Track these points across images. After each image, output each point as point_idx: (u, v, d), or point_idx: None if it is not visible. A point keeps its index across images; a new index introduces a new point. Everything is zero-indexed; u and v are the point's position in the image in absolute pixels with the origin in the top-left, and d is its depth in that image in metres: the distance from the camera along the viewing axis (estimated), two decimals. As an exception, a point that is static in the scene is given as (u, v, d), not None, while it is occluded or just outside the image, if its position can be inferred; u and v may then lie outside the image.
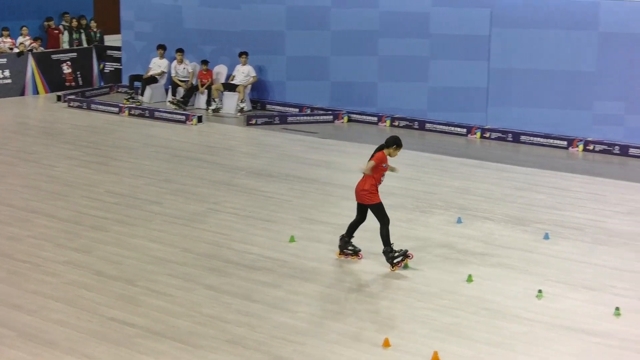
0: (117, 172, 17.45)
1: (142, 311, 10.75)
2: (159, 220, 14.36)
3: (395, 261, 12.19)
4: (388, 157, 12.32)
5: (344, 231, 12.76)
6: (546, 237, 13.58)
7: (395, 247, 12.28)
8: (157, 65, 25.39)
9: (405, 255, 12.24)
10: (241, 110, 23.65)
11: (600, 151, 19.79)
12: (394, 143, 12.28)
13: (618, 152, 19.60)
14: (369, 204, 12.31)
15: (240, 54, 24.03)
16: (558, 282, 11.77)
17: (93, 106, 24.34)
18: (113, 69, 28.11)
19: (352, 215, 14.58)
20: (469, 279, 11.77)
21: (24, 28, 27.30)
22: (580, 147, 20.00)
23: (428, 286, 11.62)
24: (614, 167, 18.60)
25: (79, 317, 10.54)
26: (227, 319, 10.53)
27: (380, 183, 12.31)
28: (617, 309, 10.77)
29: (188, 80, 24.76)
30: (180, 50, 24.83)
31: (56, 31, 28.81)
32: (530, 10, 20.96)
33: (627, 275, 12.09)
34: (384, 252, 12.25)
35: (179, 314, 10.66)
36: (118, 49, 27.89)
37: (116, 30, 30.00)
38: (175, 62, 24.90)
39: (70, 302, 10.98)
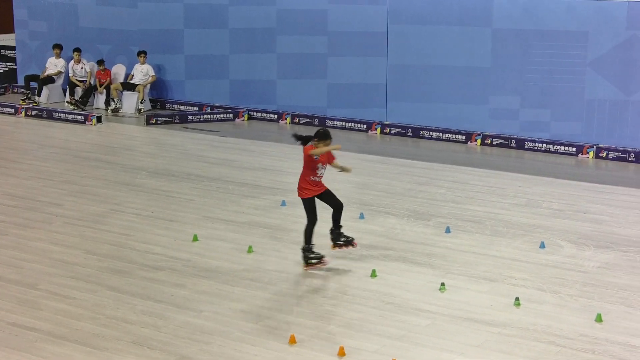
0: (15, 175, 17.13)
1: (44, 315, 10.59)
2: (60, 222, 14.16)
3: (308, 261, 12.20)
4: (319, 151, 12.09)
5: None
6: (447, 230, 13.80)
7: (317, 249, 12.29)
8: (54, 64, 24.99)
9: (320, 260, 12.18)
10: (139, 110, 23.43)
11: (498, 145, 20.19)
12: (316, 136, 12.13)
13: (514, 145, 20.02)
14: (300, 198, 12.28)
15: (139, 53, 23.82)
16: (459, 275, 11.97)
17: (-12, 107, 23.86)
18: (7, 68, 27.57)
19: (254, 212, 14.62)
20: (373, 274, 11.89)
21: None
22: (479, 141, 20.36)
23: (332, 282, 11.70)
24: (510, 161, 18.99)
25: (-22, 323, 10.35)
26: (131, 320, 10.45)
27: (315, 177, 12.18)
28: (517, 299, 11.01)
29: (86, 80, 24.45)
30: (77, 50, 24.50)
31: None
32: (426, 7, 21.25)
33: (525, 266, 12.36)
34: (302, 249, 12.24)
35: (82, 317, 10.54)
36: (12, 48, 27.36)
37: (8, 29, 29.44)
38: (72, 62, 24.56)
39: (-31, 308, 10.78)
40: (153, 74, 23.83)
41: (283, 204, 15.14)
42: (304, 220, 14.18)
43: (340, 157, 18.69)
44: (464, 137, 20.60)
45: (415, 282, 11.74)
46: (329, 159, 12.30)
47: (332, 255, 12.62)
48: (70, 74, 24.56)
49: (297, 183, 12.32)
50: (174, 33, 23.89)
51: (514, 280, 11.80)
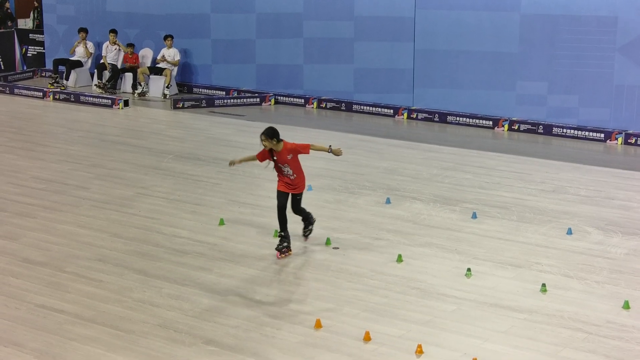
0: (43, 158, 17.24)
1: (72, 297, 10.66)
2: (87, 206, 14.23)
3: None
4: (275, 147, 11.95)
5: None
6: (474, 216, 13.76)
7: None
8: (81, 48, 25.05)
9: (282, 250, 12.09)
10: (165, 95, 23.49)
11: (525, 130, 20.09)
12: (263, 133, 12.00)
13: (542, 131, 19.92)
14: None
15: (166, 37, 23.86)
16: (485, 261, 11.94)
17: (16, 91, 23.99)
18: (36, 52, 27.70)
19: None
20: (399, 259, 11.88)
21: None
22: (506, 127, 20.27)
23: (357, 267, 11.70)
24: (538, 146, 18.89)
25: (6, 305, 10.41)
26: (157, 303, 10.50)
27: (283, 175, 12.09)
28: (544, 285, 10.97)
29: (115, 64, 24.54)
30: (113, 31, 24.57)
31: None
32: (454, -8, 21.17)
33: (552, 252, 12.31)
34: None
35: (108, 300, 10.60)
36: (40, 32, 27.48)
37: (25, 15, 29.62)
38: (107, 43, 24.63)
39: (-2, 290, 10.87)
40: (178, 58, 23.86)
41: (309, 188, 15.13)
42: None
43: (367, 142, 18.70)
44: (491, 122, 20.51)
45: (441, 267, 11.72)
46: (294, 155, 12.00)
47: (357, 242, 12.62)
48: (104, 54, 24.63)
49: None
50: (201, 17, 23.91)
51: (541, 267, 11.75)
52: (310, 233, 12.67)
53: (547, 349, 9.41)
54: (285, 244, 12.12)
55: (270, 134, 11.90)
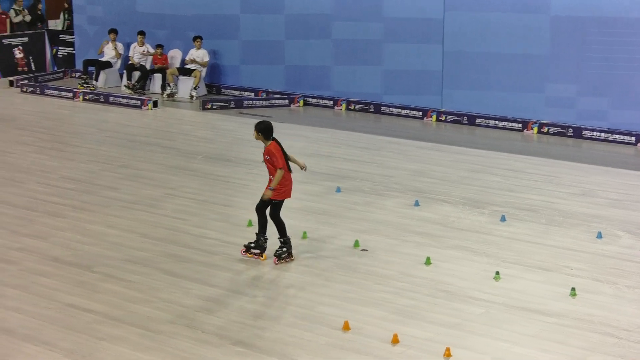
0: (73, 158, 17.32)
1: (100, 297, 10.70)
2: (116, 206, 14.29)
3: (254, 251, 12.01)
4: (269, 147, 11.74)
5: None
6: (502, 219, 13.70)
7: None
8: (110, 49, 25.16)
9: (279, 255, 11.91)
10: (192, 97, 23.53)
11: (555, 133, 19.98)
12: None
13: (572, 134, 19.80)
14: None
15: (195, 38, 23.92)
16: (514, 264, 11.88)
17: (47, 91, 24.13)
18: (66, 53, 27.86)
19: (308, 198, 14.64)
20: (427, 261, 11.85)
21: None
22: (535, 129, 20.17)
23: (385, 269, 11.68)
24: (567, 149, 18.79)
25: (35, 304, 10.46)
26: (186, 304, 10.52)
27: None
28: (573, 289, 10.89)
29: (144, 65, 24.62)
30: (141, 33, 24.66)
31: (3, 16, 28.46)
32: (483, -6, 21.11)
33: (581, 255, 12.23)
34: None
35: (137, 300, 10.63)
36: (70, 33, 27.64)
37: (56, 16, 29.81)
38: (136, 44, 24.74)
39: (27, 289, 10.90)
40: (207, 59, 23.91)
41: (338, 190, 15.13)
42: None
43: (396, 144, 18.65)
44: (520, 125, 20.41)
45: (469, 270, 11.67)
46: (270, 158, 11.71)
47: (385, 244, 12.60)
48: (131, 54, 24.74)
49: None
50: (230, 18, 23.96)
51: (570, 270, 11.68)
52: (283, 255, 11.88)
53: (577, 353, 9.35)
54: (284, 249, 11.91)
55: (257, 127, 11.71)
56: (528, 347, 9.48)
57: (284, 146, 11.76)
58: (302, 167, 12.03)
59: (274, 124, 11.88)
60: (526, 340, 9.63)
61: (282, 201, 11.85)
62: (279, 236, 11.93)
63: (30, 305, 10.44)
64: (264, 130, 11.67)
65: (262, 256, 11.96)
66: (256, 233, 12.03)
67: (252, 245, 12.03)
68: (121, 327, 9.86)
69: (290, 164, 11.84)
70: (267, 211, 11.92)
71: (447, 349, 9.24)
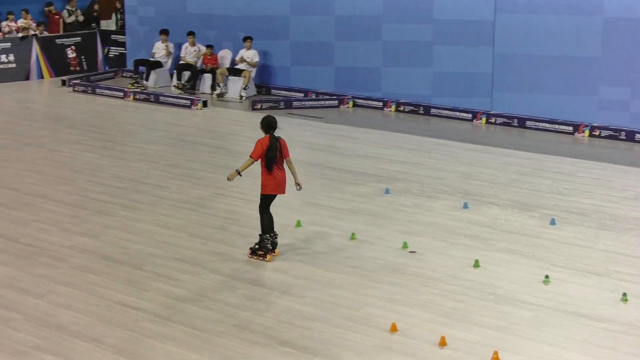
0: (123, 157, 17.46)
1: (149, 295, 10.77)
2: (165, 205, 14.38)
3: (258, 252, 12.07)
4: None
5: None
6: (552, 222, 13.58)
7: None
8: (161, 49, 25.34)
9: (261, 253, 12.02)
10: (241, 97, 23.61)
11: (606, 137, 19.75)
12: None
13: (624, 137, 19.57)
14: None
15: (245, 39, 23.99)
16: (564, 268, 11.77)
17: (98, 91, 24.33)
18: (117, 53, 28.10)
19: (357, 200, 14.62)
20: (476, 264, 11.78)
21: (24, 12, 27.31)
22: (586, 132, 19.96)
23: (434, 271, 11.63)
24: (620, 153, 18.57)
25: (86, 301, 10.56)
26: (233, 304, 10.55)
27: None
28: (624, 294, 10.77)
29: (195, 65, 24.75)
30: (191, 33, 24.80)
31: (57, 16, 28.75)
32: (535, -4, 20.95)
33: (632, 260, 12.09)
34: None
35: (185, 298, 10.68)
36: (122, 33, 27.88)
37: (107, 16, 30.06)
38: (187, 44, 24.88)
39: (77, 286, 11.01)
40: (257, 59, 23.97)
41: (387, 191, 15.09)
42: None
43: (445, 146, 18.58)
44: (571, 128, 20.22)
45: (518, 273, 11.59)
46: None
47: (434, 246, 12.55)
48: (182, 54, 24.88)
49: (284, 181, 12.20)
50: (280, 19, 24.00)
51: (621, 275, 11.55)
52: (260, 252, 12.03)
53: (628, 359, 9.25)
54: (257, 246, 12.04)
55: (261, 120, 12.23)
56: (577, 352, 9.39)
57: (283, 147, 12.19)
58: (297, 185, 12.34)
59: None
60: (575, 346, 9.54)
61: (270, 196, 12.13)
62: (260, 232, 12.08)
63: (80, 302, 10.54)
64: (263, 124, 12.22)
65: (267, 257, 11.99)
66: (259, 234, 12.10)
67: (256, 247, 12.10)
68: (169, 326, 9.92)
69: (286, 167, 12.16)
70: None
71: (495, 353, 9.18)
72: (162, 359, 9.17)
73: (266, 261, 11.92)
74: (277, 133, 12.11)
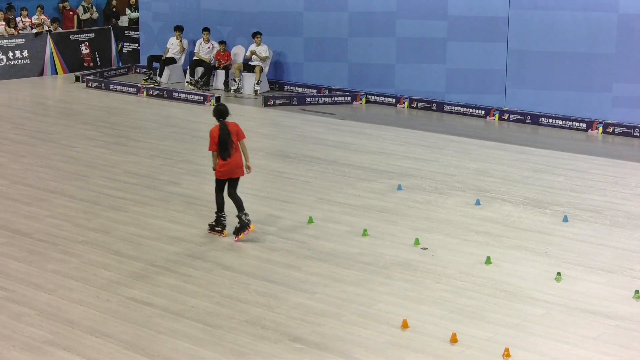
0: (136, 153, 17.49)
1: (161, 291, 10.79)
2: (178, 201, 14.40)
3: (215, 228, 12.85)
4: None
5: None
6: (565, 219, 13.54)
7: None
8: (175, 46, 25.37)
9: (218, 229, 12.85)
10: (256, 92, 23.63)
11: (620, 134, 19.68)
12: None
13: (638, 134, 19.48)
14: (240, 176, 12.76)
15: (254, 35, 23.96)
16: (576, 265, 11.74)
17: (111, 86, 24.39)
18: (131, 49, 28.16)
19: (370, 196, 14.60)
20: (488, 260, 11.76)
21: (39, 8, 27.39)
22: (600, 129, 19.90)
23: (446, 268, 11.61)
24: (633, 150, 18.50)
25: (98, 297, 10.59)
26: (245, 300, 10.56)
27: None
28: (637, 292, 10.73)
29: (209, 61, 24.77)
30: (206, 30, 24.83)
31: (71, 12, 28.82)
32: (549, -8, 20.87)
33: (646, 258, 12.06)
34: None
35: (197, 294, 10.70)
36: (136, 29, 27.93)
37: (122, 12, 30.09)
38: (201, 41, 24.91)
39: (89, 282, 11.04)
40: (267, 54, 23.94)
41: (399, 188, 15.08)
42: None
43: (458, 143, 18.55)
44: (584, 125, 20.15)
45: (530, 270, 11.56)
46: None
47: (446, 242, 12.54)
48: (196, 50, 24.90)
49: (238, 164, 12.69)
50: (294, 15, 24.00)
51: (634, 273, 11.51)
52: (242, 231, 12.68)
53: None
54: (238, 225, 12.65)
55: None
56: (589, 349, 9.37)
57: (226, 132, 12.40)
58: (247, 168, 12.86)
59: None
60: (587, 343, 9.51)
61: (222, 180, 12.66)
62: (237, 214, 12.63)
63: (92, 297, 10.57)
64: (214, 112, 12.67)
65: (223, 233, 12.78)
66: (215, 212, 12.81)
67: (214, 223, 12.81)
68: (181, 321, 9.93)
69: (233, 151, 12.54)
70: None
71: (507, 350, 9.16)
72: (173, 355, 9.19)
73: (222, 236, 12.63)
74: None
